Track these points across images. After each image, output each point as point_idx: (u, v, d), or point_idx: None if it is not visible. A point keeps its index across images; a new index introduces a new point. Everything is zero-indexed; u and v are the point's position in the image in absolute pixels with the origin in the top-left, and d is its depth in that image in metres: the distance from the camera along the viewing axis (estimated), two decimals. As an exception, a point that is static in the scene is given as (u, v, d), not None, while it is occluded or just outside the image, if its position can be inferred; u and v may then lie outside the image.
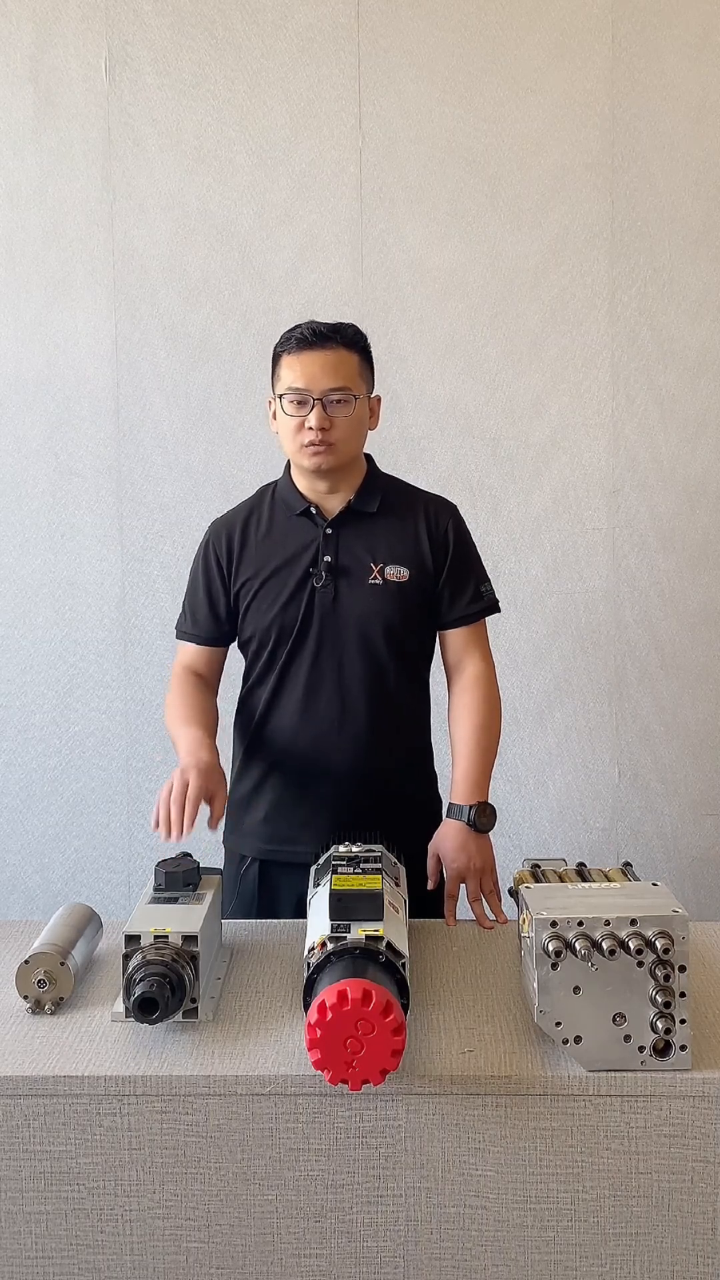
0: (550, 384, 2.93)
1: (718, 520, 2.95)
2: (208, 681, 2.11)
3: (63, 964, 1.57)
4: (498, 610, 2.12)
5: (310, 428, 1.93)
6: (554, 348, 2.92)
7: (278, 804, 2.03)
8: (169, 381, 2.96)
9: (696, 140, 2.87)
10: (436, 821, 2.06)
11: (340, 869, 1.59)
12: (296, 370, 1.94)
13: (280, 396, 1.96)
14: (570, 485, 2.95)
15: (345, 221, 2.91)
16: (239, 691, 2.13)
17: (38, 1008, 1.56)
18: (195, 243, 2.93)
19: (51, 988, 1.56)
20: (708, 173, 2.88)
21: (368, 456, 2.11)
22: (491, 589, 2.11)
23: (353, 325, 2.03)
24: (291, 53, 2.88)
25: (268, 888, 2.05)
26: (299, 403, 1.94)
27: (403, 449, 2.87)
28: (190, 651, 2.12)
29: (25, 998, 1.56)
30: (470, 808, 1.96)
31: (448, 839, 1.96)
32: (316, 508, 2.03)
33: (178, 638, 2.15)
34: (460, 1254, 1.39)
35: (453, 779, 2.01)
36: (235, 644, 2.13)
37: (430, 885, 1.96)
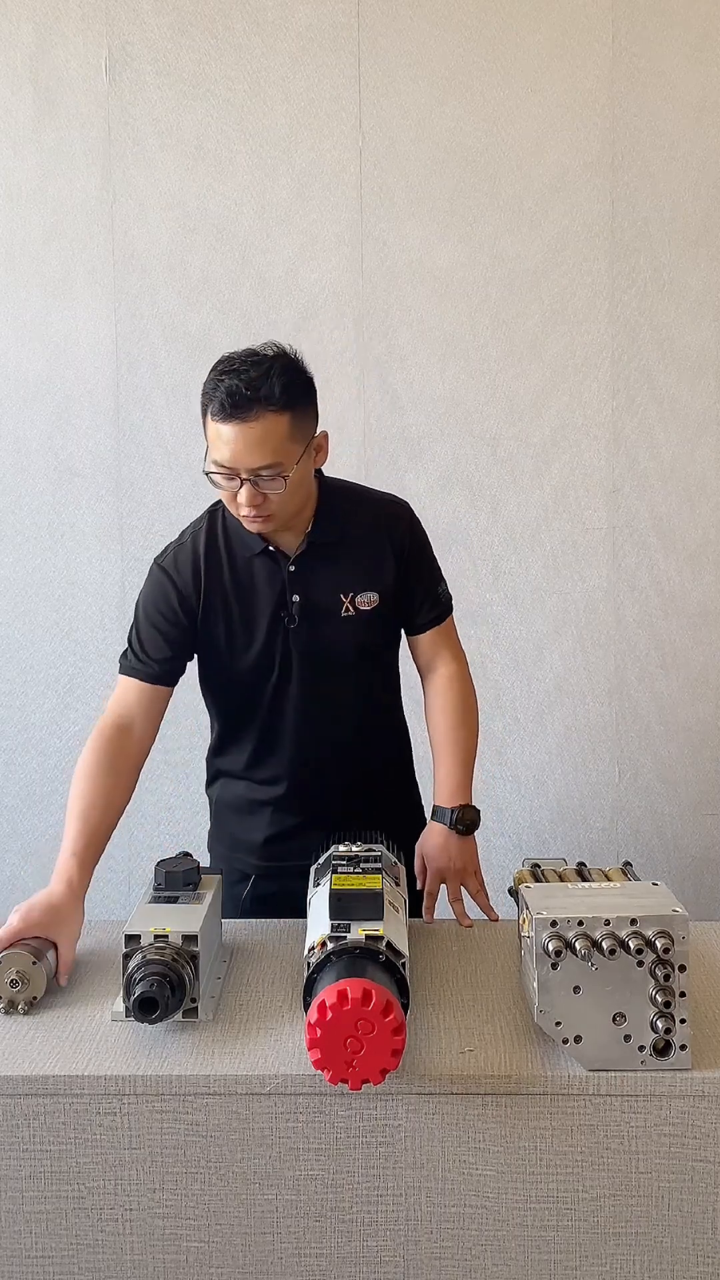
0: (550, 384, 2.93)
1: (718, 520, 2.95)
2: (137, 739, 1.89)
3: (35, 963, 1.56)
4: (452, 608, 2.07)
5: (242, 504, 1.79)
6: (554, 348, 2.92)
7: (278, 828, 2.02)
8: (169, 381, 2.96)
9: (696, 140, 2.87)
10: (417, 806, 2.07)
11: (340, 869, 1.59)
12: (220, 444, 1.75)
13: (207, 473, 1.80)
14: (570, 485, 2.95)
15: (345, 221, 2.91)
16: (211, 733, 2.07)
17: (11, 1008, 1.55)
18: (195, 243, 2.93)
19: (25, 987, 1.55)
20: (708, 173, 2.88)
21: (316, 471, 1.96)
22: (446, 587, 2.06)
23: (281, 363, 1.78)
24: (291, 53, 2.89)
25: (265, 895, 2.04)
26: (227, 478, 1.78)
27: (403, 449, 2.87)
28: (133, 693, 1.91)
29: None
30: (452, 811, 1.94)
31: (430, 840, 1.96)
32: (274, 545, 1.92)
33: (122, 673, 1.93)
34: (460, 1254, 1.39)
35: (435, 782, 2.00)
36: (201, 686, 2.03)
37: (419, 887, 1.95)
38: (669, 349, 2.91)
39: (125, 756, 1.86)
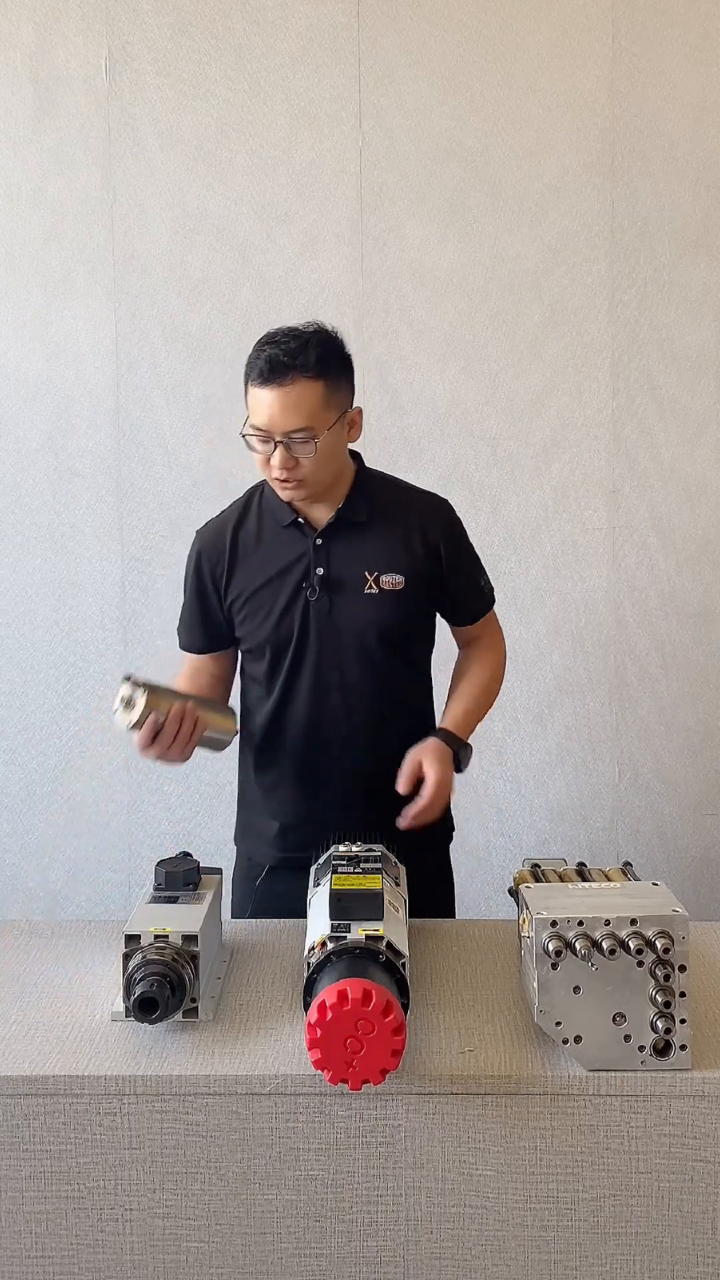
0: (550, 384, 2.93)
1: (718, 520, 2.95)
2: (210, 677, 2.10)
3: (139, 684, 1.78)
4: (494, 600, 2.14)
5: (275, 466, 1.88)
6: (554, 348, 2.93)
7: (293, 815, 2.02)
8: (169, 381, 2.96)
9: (696, 140, 2.88)
10: (444, 817, 2.06)
11: (340, 869, 1.59)
12: (258, 408, 1.86)
13: (244, 436, 1.90)
14: (570, 485, 2.95)
15: (345, 221, 2.91)
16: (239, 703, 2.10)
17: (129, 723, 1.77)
18: (195, 243, 2.93)
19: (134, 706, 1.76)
20: (708, 173, 2.88)
21: (355, 455, 2.05)
22: (489, 580, 2.13)
23: (318, 337, 1.89)
24: (291, 53, 2.89)
25: (282, 889, 2.03)
26: (262, 441, 1.88)
27: (403, 449, 2.87)
28: (194, 659, 2.11)
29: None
30: (463, 747, 1.97)
31: (433, 750, 1.92)
32: (304, 518, 1.98)
33: (180, 647, 2.12)
34: (460, 1254, 1.39)
35: (447, 709, 2.02)
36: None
37: (402, 788, 1.90)
38: (669, 349, 2.92)
39: (200, 681, 2.09)
